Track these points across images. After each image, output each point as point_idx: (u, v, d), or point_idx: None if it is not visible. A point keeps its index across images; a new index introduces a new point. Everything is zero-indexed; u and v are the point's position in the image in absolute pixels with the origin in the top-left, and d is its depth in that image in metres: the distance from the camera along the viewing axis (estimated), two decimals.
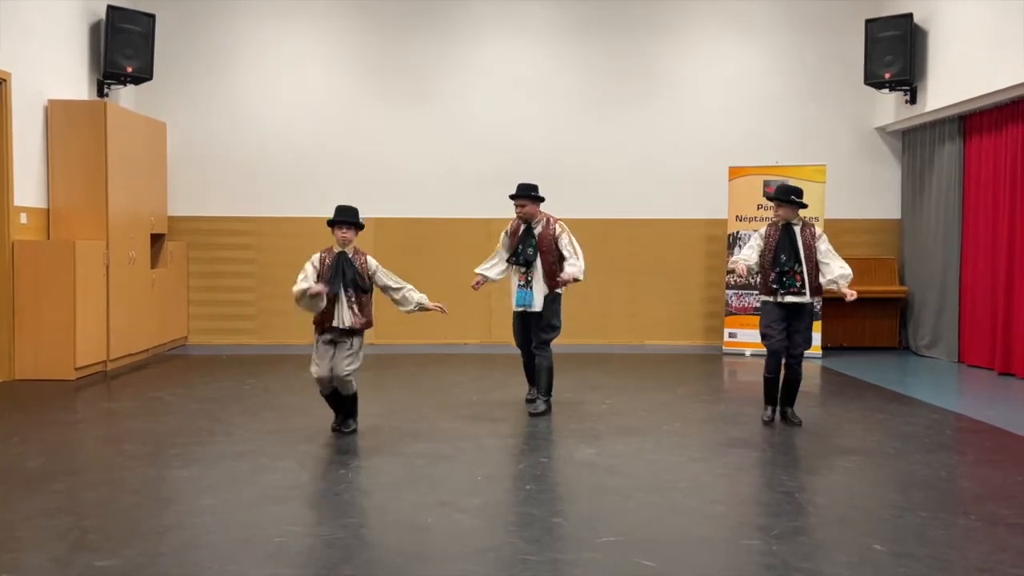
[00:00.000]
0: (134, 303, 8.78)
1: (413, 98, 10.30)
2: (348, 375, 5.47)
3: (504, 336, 9.19)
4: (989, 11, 8.19)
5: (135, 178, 8.91)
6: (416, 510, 4.18)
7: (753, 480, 4.89)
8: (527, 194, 6.31)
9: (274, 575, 3.38)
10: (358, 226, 5.58)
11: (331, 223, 5.57)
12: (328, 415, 5.83)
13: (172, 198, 10.04)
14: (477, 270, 6.59)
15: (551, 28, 10.37)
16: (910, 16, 9.29)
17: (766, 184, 9.33)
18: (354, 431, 5.72)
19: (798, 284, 5.79)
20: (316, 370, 5.51)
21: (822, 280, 5.86)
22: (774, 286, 5.85)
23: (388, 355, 9.35)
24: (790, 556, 3.60)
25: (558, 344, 6.71)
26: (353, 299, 5.47)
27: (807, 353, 6.20)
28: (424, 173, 10.29)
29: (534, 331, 6.40)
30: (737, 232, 9.65)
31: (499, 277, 6.58)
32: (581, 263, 6.23)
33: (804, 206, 5.91)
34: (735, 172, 9.75)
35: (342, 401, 5.66)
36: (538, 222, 6.36)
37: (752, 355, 9.38)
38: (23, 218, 7.84)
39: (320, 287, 5.34)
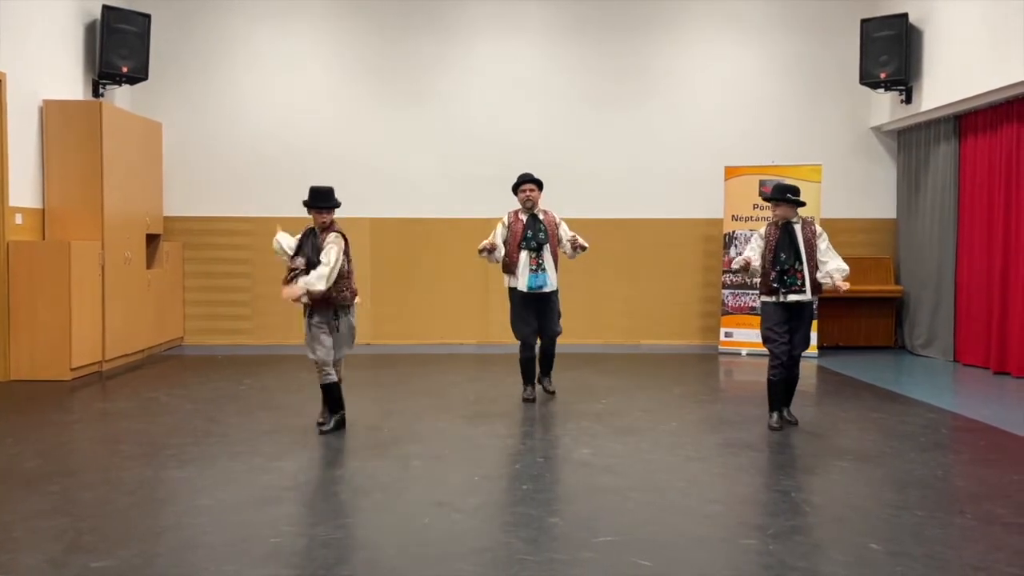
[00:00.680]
0: (130, 303, 8.76)
1: (410, 98, 10.29)
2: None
3: (500, 336, 9.20)
4: (984, 11, 8.20)
5: (131, 178, 8.90)
6: (413, 510, 4.18)
7: (750, 480, 4.89)
8: (534, 179, 6.75)
9: None
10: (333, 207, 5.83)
11: (307, 205, 5.79)
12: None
13: (168, 198, 10.03)
14: (485, 241, 6.72)
15: (548, 28, 10.37)
16: (905, 16, 9.30)
17: (762, 184, 9.34)
18: (335, 429, 5.72)
19: (799, 282, 5.75)
20: (323, 353, 5.55)
21: (818, 276, 5.83)
22: (775, 285, 5.80)
23: (385, 355, 9.35)
24: (787, 555, 3.61)
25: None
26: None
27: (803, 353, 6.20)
28: (421, 173, 10.28)
29: (549, 321, 6.77)
30: (733, 232, 9.66)
31: (499, 258, 6.76)
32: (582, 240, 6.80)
33: (801, 204, 5.86)
34: (731, 172, 9.75)
35: (336, 389, 5.67)
36: (539, 211, 6.76)
37: (748, 354, 9.40)
38: (18, 218, 7.82)
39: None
